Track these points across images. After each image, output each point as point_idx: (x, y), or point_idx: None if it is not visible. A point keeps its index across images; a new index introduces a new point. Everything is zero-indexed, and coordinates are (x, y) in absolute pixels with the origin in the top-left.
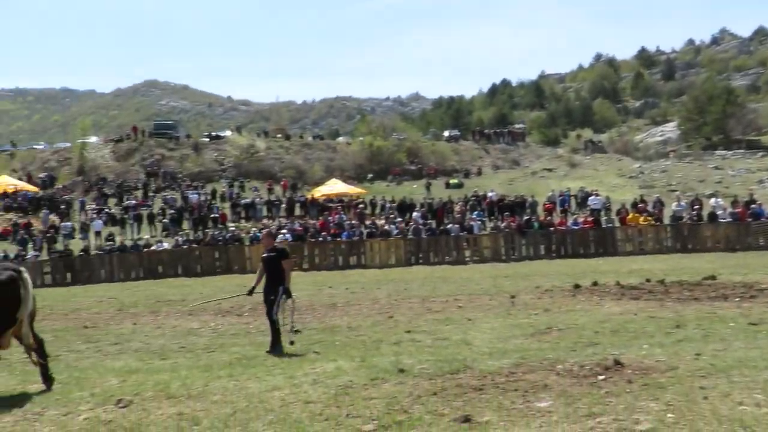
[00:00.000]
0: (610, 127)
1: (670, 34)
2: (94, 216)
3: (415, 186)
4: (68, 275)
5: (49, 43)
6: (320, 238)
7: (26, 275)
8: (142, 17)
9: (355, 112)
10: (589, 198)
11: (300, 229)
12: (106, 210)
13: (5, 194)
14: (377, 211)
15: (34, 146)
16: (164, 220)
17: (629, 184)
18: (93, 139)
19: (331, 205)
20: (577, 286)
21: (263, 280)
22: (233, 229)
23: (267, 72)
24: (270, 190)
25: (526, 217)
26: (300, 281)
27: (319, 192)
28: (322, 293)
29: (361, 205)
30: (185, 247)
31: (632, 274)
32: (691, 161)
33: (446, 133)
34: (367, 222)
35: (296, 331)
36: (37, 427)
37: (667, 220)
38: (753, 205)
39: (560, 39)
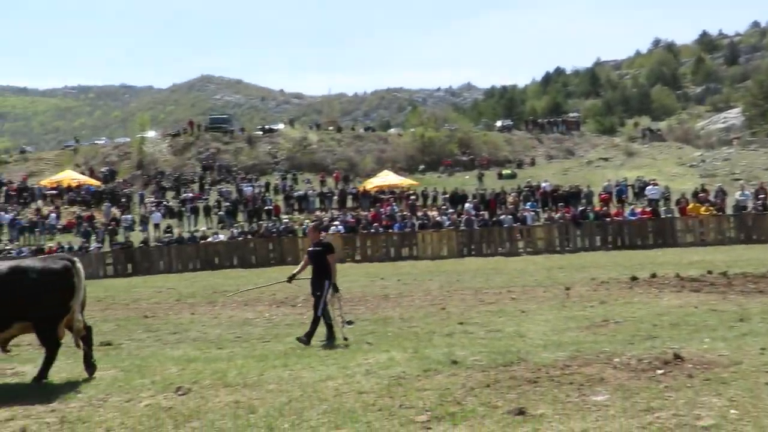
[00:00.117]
0: (670, 115)
1: (734, 17)
2: (153, 209)
3: (467, 177)
4: (129, 266)
5: (109, 42)
6: (372, 230)
7: (79, 265)
8: (196, 14)
9: (406, 103)
10: (647, 188)
11: (352, 220)
12: (164, 203)
13: (69, 188)
14: (429, 202)
15: (96, 141)
16: (220, 213)
17: (689, 173)
18: (151, 133)
19: (382, 196)
20: (634, 278)
21: (308, 273)
22: (286, 220)
23: (319, 65)
24: (322, 182)
25: (581, 208)
26: (352, 273)
27: (371, 184)
28: (374, 285)
29: (412, 197)
30: (240, 238)
31: (693, 265)
32: (755, 149)
33: (498, 123)
34: (419, 213)
35: (349, 323)
36: (101, 412)
37: (729, 210)
38: None
39: (616, 25)
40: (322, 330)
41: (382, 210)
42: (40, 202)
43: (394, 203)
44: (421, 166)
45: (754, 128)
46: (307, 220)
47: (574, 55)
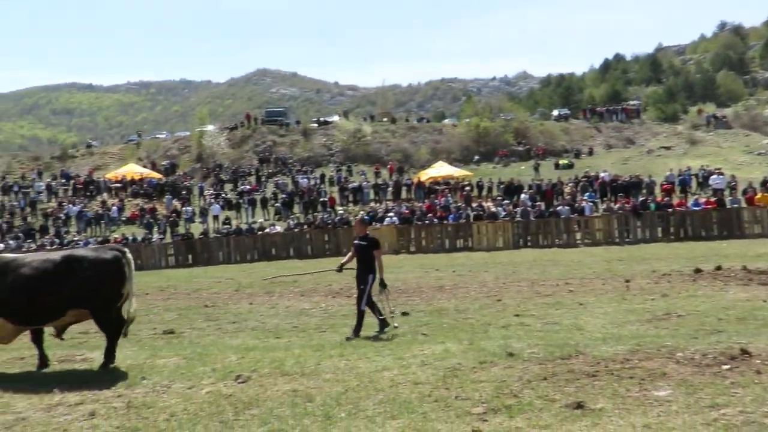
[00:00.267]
0: (736, 101)
1: None
2: (212, 201)
3: (522, 167)
4: (189, 257)
5: (169, 38)
6: (427, 221)
7: (129, 256)
8: (252, 9)
9: (460, 93)
10: (712, 177)
11: (406, 212)
12: (223, 195)
13: (133, 181)
14: (484, 193)
15: (157, 136)
16: (276, 204)
17: (757, 162)
18: (210, 127)
19: (437, 187)
20: (698, 271)
21: (354, 265)
22: (341, 212)
23: (373, 56)
24: (377, 174)
25: (641, 198)
26: (407, 264)
27: (426, 175)
28: (428, 276)
29: (467, 188)
30: (296, 230)
31: (761, 258)
32: None
33: (555, 112)
34: (474, 204)
35: (404, 314)
36: (164, 398)
37: None
38: None
39: (679, 8)
40: (374, 321)
41: (436, 201)
42: (105, 195)
43: (448, 194)
44: (476, 157)
45: None
46: (362, 212)
47: (634, 41)
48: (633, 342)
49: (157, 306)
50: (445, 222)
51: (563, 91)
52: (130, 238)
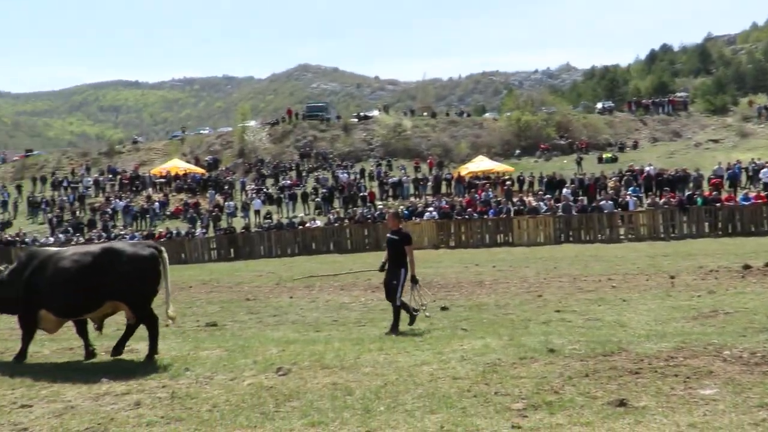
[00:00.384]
0: None
1: None
2: (254, 195)
3: (565, 161)
4: (231, 251)
5: (212, 35)
6: (467, 216)
7: (165, 255)
8: (293, 5)
9: (501, 86)
10: (762, 171)
11: (446, 206)
12: (264, 190)
13: (177, 176)
14: (525, 187)
15: (201, 131)
16: (317, 199)
17: None
18: (252, 123)
19: (477, 182)
20: (747, 267)
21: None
22: (381, 207)
23: (413, 50)
24: (417, 169)
25: (688, 193)
26: (446, 259)
27: (466, 169)
28: (468, 271)
29: (508, 182)
30: (336, 224)
31: None
32: None
33: (599, 105)
34: (515, 199)
35: (444, 308)
36: (207, 389)
37: None
38: None
39: None
40: (406, 316)
41: (477, 196)
42: (150, 190)
43: (489, 189)
44: (517, 151)
45: None
46: (402, 207)
47: (682, 31)
48: (678, 339)
49: (200, 299)
50: (486, 217)
51: (608, 83)
52: (174, 232)
